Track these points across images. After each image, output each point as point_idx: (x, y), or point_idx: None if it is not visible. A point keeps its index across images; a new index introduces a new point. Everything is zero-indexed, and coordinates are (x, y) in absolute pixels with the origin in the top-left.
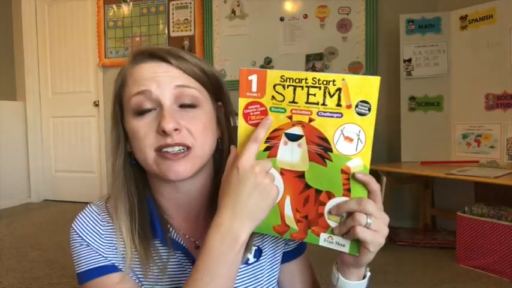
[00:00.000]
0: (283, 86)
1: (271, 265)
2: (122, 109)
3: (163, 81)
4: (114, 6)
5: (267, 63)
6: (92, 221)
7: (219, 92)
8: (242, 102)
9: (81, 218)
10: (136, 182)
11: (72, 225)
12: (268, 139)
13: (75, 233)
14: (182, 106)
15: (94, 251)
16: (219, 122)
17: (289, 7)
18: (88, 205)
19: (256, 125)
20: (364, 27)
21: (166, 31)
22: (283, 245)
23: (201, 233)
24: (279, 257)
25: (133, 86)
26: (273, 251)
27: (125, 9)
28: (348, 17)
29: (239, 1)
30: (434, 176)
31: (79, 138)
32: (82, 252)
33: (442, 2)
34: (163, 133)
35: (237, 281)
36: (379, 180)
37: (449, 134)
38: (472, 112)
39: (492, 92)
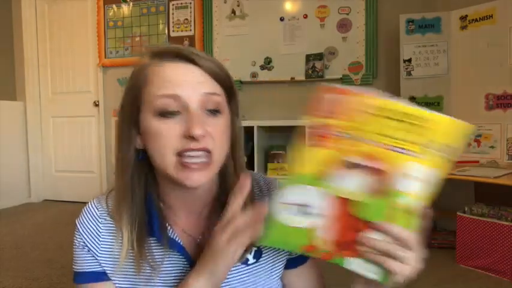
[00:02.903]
0: (362, 112)
1: (271, 268)
2: (138, 105)
3: (191, 86)
4: (114, 6)
5: (267, 63)
6: (93, 219)
7: (233, 95)
8: (309, 120)
9: (83, 216)
10: (140, 177)
11: (76, 222)
12: (328, 164)
13: (78, 232)
14: (207, 112)
15: (91, 254)
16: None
17: (289, 7)
18: (91, 200)
19: (315, 146)
20: (364, 27)
21: (166, 31)
22: (288, 252)
23: (201, 230)
24: (281, 263)
25: (160, 86)
26: (275, 254)
27: (125, 9)
28: (348, 17)
29: (239, 1)
30: None
31: (79, 138)
32: (80, 254)
33: (442, 2)
34: (191, 138)
35: (235, 280)
36: None
37: None
38: (472, 112)
39: (492, 92)
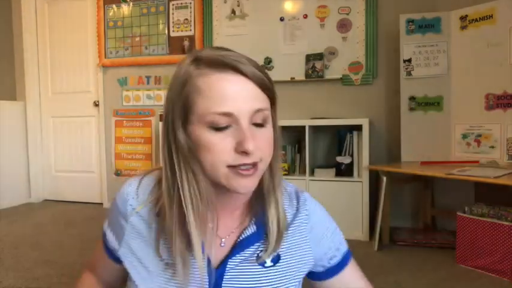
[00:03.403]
0: None
1: (289, 273)
2: (187, 113)
3: (245, 102)
4: (114, 6)
5: (267, 63)
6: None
7: (275, 101)
8: None
9: (128, 187)
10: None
11: (121, 193)
12: None
13: (124, 201)
14: (254, 125)
15: (122, 231)
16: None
17: (289, 7)
18: (139, 178)
19: None
20: (364, 27)
21: (166, 31)
22: (305, 268)
23: (229, 230)
24: (301, 272)
25: (216, 102)
26: (296, 262)
27: (125, 9)
28: (348, 17)
29: (239, 1)
30: (434, 176)
31: (79, 138)
32: (114, 223)
33: (442, 2)
34: (244, 153)
35: (251, 280)
36: (379, 180)
37: (449, 134)
38: (472, 112)
39: (492, 92)
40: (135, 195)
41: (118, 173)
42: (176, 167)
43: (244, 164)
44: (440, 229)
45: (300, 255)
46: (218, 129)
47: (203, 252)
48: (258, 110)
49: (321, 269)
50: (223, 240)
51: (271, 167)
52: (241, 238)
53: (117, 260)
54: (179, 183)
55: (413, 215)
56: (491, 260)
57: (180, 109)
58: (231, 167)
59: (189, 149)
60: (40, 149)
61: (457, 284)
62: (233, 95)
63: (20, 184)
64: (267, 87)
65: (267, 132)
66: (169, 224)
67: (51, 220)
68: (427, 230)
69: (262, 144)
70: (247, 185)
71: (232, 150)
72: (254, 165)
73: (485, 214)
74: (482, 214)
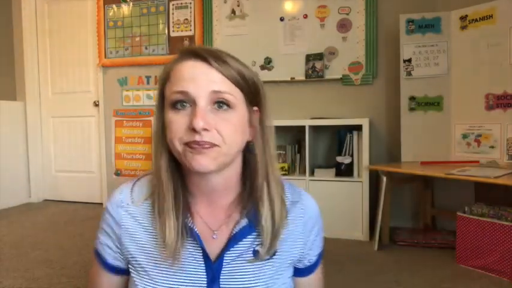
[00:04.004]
0: None
1: (284, 265)
2: (163, 100)
3: (201, 83)
4: (114, 6)
5: (267, 63)
6: (117, 206)
7: (256, 96)
8: None
9: (114, 200)
10: (173, 167)
11: (108, 205)
12: None
13: (109, 214)
14: (215, 106)
15: (113, 243)
16: (252, 125)
17: (289, 7)
18: (122, 187)
19: None
20: (364, 27)
21: (166, 31)
22: (295, 259)
23: (219, 222)
24: (288, 265)
25: (175, 83)
26: (289, 254)
27: (125, 9)
28: (348, 17)
29: (239, 1)
30: (434, 176)
31: (79, 138)
32: (104, 237)
33: (442, 2)
34: (193, 130)
35: (249, 276)
36: (379, 180)
37: (449, 134)
38: (472, 112)
39: (492, 92)
40: (130, 200)
41: (118, 173)
42: (158, 153)
43: (195, 142)
44: (440, 229)
45: (292, 247)
46: (176, 108)
47: (198, 241)
48: (217, 92)
49: (300, 266)
50: (215, 232)
51: (266, 162)
52: (234, 231)
53: (120, 270)
54: (158, 168)
55: (413, 215)
56: (491, 260)
57: (158, 99)
58: (186, 144)
59: (163, 133)
60: (40, 149)
61: (457, 284)
62: (191, 75)
63: (20, 184)
64: (237, 82)
65: (232, 117)
66: (158, 209)
67: (51, 220)
68: (427, 230)
69: (221, 128)
70: (202, 162)
71: (186, 128)
72: (212, 145)
73: (485, 214)
74: (482, 214)
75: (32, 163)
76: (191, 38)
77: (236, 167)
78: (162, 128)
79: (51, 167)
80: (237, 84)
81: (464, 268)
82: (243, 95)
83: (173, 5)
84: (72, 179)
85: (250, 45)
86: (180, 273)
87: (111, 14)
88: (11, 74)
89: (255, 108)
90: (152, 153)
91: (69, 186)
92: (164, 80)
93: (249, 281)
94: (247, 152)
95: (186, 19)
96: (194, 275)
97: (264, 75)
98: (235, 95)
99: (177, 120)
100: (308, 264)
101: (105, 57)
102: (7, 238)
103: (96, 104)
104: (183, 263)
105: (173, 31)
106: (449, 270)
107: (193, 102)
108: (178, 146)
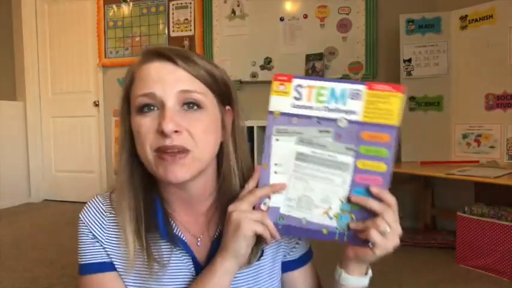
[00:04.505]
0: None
1: (271, 267)
2: (129, 106)
3: (168, 83)
4: (114, 6)
5: (267, 63)
6: (98, 212)
7: (228, 96)
8: None
9: (88, 209)
10: (143, 176)
11: (80, 215)
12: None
13: (83, 223)
14: (185, 107)
15: (98, 244)
16: (224, 126)
17: (289, 7)
18: (94, 196)
19: None
20: (364, 27)
21: (166, 31)
22: (283, 252)
23: (200, 228)
24: (278, 263)
25: (140, 86)
26: (273, 254)
27: (125, 9)
28: (348, 17)
29: (239, 1)
30: (434, 176)
31: (79, 138)
32: (86, 244)
33: (442, 2)
34: (163, 134)
35: (239, 281)
36: None
37: (449, 134)
38: (472, 112)
39: (492, 92)
40: (103, 211)
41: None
42: (122, 166)
43: (165, 148)
44: (440, 229)
45: (275, 244)
46: (143, 112)
47: (186, 249)
48: (185, 91)
49: (293, 257)
50: (198, 239)
51: (240, 163)
52: (216, 236)
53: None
54: (121, 181)
55: (413, 215)
56: (491, 260)
57: (122, 104)
58: (157, 151)
59: (128, 142)
60: (40, 149)
61: (457, 284)
62: (157, 76)
63: (20, 184)
64: (206, 81)
65: (202, 117)
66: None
67: (51, 220)
68: (427, 230)
69: (193, 129)
70: (177, 174)
71: (155, 132)
72: (184, 151)
73: (485, 214)
74: (482, 214)
75: (32, 163)
76: (191, 38)
77: (212, 171)
78: (127, 137)
79: (51, 167)
80: (206, 83)
81: (464, 268)
82: (214, 94)
83: (173, 5)
84: (72, 179)
85: (250, 45)
86: (171, 282)
87: (111, 14)
88: (11, 74)
89: (228, 107)
90: (117, 165)
91: (69, 186)
92: (128, 84)
93: (239, 285)
94: (220, 154)
95: (186, 19)
96: (187, 284)
97: (264, 75)
98: (205, 95)
99: (145, 124)
100: (301, 252)
101: (105, 57)
102: (7, 238)
103: (96, 104)
104: (174, 272)
105: (173, 31)
106: (449, 270)
107: (161, 105)
108: (150, 155)
